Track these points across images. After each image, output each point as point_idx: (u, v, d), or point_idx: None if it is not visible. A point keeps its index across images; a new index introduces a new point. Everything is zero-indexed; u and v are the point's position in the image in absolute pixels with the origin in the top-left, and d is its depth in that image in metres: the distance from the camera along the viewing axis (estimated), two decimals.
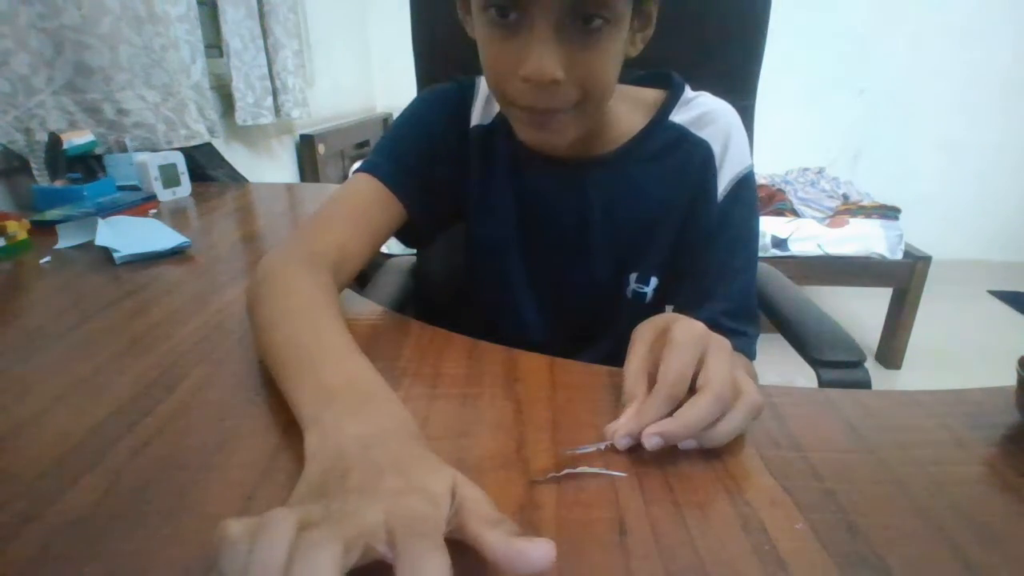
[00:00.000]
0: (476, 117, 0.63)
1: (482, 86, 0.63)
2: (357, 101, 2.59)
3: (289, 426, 0.38)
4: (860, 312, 2.43)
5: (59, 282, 0.68)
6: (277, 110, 1.79)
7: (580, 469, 0.34)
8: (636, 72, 0.63)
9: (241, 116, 1.60)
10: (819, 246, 2.00)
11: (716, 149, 0.60)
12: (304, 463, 0.30)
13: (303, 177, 2.10)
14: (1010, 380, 0.40)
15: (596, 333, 0.67)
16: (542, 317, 0.67)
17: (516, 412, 0.40)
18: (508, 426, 0.39)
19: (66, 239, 0.80)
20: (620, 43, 0.50)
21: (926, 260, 1.96)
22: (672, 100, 0.61)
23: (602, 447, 0.36)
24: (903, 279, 1.99)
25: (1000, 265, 2.78)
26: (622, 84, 0.58)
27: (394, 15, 2.62)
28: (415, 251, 0.93)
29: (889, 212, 2.06)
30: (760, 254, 2.14)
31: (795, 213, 2.07)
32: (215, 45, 1.59)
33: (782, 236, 2.00)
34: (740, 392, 0.36)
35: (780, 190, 2.16)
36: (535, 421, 0.39)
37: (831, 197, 2.13)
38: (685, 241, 0.62)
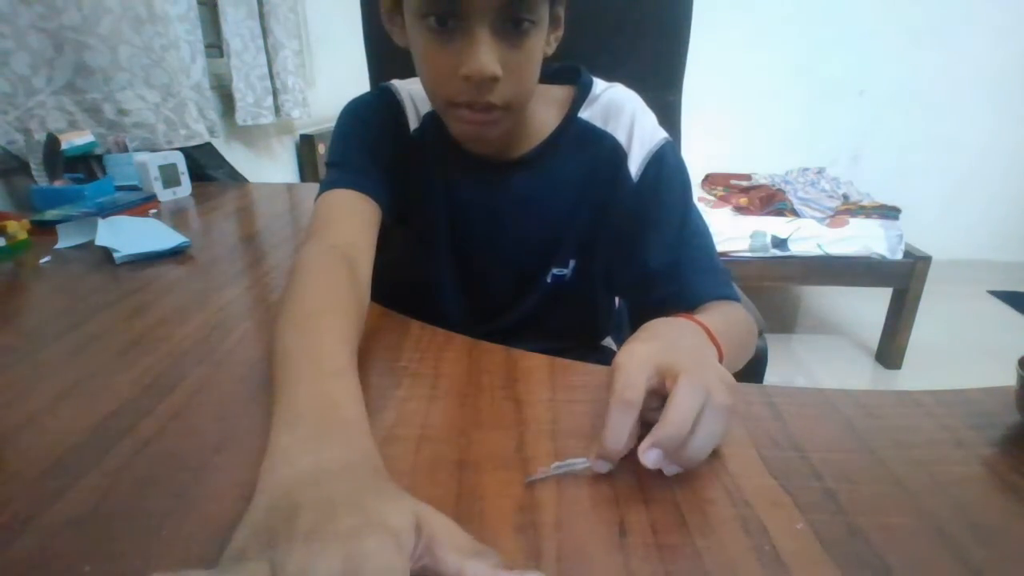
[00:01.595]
0: (413, 122, 0.67)
1: (403, 93, 0.67)
2: None
3: None
4: (860, 312, 2.43)
5: (59, 282, 0.68)
6: (277, 110, 1.79)
7: (565, 464, 0.34)
8: (551, 65, 0.66)
9: (241, 116, 1.60)
10: (819, 246, 2.00)
11: (622, 139, 0.63)
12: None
13: (303, 177, 2.10)
14: (1010, 380, 0.40)
15: (510, 311, 0.72)
16: (463, 302, 0.72)
17: (516, 412, 0.40)
18: (508, 426, 0.39)
19: (66, 239, 0.80)
20: (541, 43, 0.55)
21: (926, 260, 1.96)
22: (580, 98, 0.64)
23: (579, 465, 0.34)
24: (903, 279, 1.99)
25: (1000, 265, 2.77)
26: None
27: None
28: None
29: (889, 212, 2.06)
30: (760, 254, 2.13)
31: (795, 213, 2.07)
32: (215, 45, 1.59)
33: (782, 236, 2.00)
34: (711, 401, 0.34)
35: (780, 190, 2.16)
36: (535, 421, 0.39)
37: (831, 197, 2.13)
38: (608, 226, 0.66)
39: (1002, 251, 2.78)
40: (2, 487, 0.33)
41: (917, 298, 1.99)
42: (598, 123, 0.65)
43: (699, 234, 0.65)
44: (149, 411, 0.40)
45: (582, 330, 0.78)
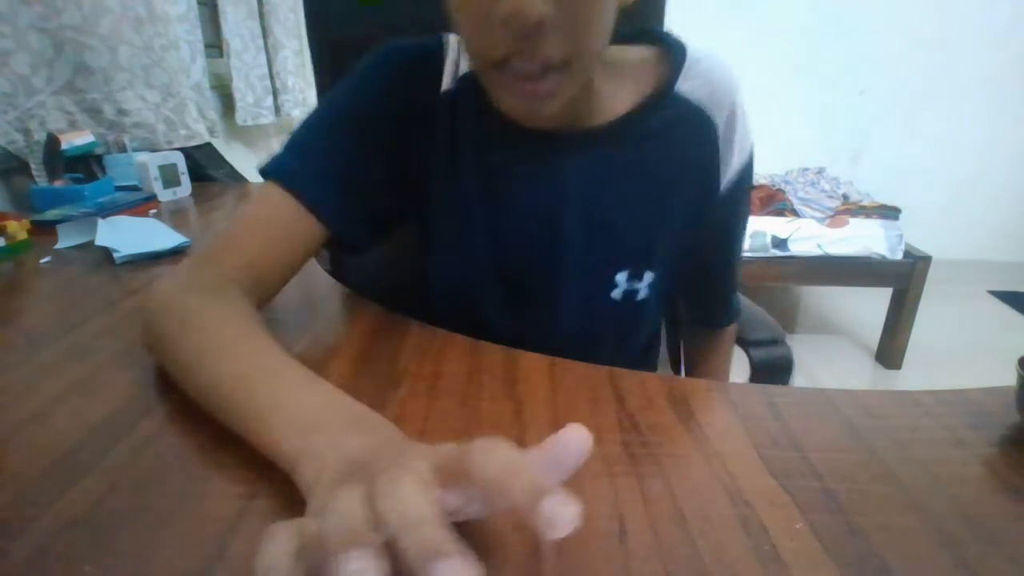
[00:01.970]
0: (447, 81, 0.51)
1: (452, 46, 0.52)
2: None
3: None
4: (860, 312, 2.43)
5: (59, 282, 0.68)
6: (277, 110, 1.79)
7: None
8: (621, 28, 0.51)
9: (241, 116, 1.60)
10: (819, 246, 2.00)
11: (721, 129, 0.52)
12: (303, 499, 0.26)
13: None
14: (1010, 380, 0.40)
15: (577, 344, 0.57)
16: (510, 320, 0.57)
17: (516, 412, 0.40)
18: (508, 426, 0.39)
19: (66, 239, 0.80)
20: None
21: (926, 260, 1.96)
22: (676, 66, 0.51)
23: None
24: (903, 279, 1.99)
25: (1000, 265, 2.77)
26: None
27: None
28: None
29: (889, 212, 2.06)
30: (760, 254, 2.13)
31: (795, 213, 2.07)
32: (215, 45, 1.59)
33: (782, 236, 2.00)
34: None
35: (780, 190, 2.16)
36: (535, 421, 0.39)
37: (831, 197, 2.13)
38: (689, 238, 0.55)
39: (1002, 251, 2.78)
40: (2, 487, 0.33)
41: (917, 298, 1.99)
42: (702, 101, 0.51)
43: (740, 251, 0.63)
44: (149, 411, 0.40)
45: (641, 358, 0.66)
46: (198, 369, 0.36)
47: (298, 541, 0.20)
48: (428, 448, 0.25)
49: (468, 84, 0.51)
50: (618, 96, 0.51)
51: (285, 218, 0.48)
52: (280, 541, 0.19)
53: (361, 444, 0.28)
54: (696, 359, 0.76)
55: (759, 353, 0.72)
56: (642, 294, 0.56)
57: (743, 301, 0.78)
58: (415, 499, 0.19)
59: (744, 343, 0.73)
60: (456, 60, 0.52)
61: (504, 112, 0.46)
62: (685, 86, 0.51)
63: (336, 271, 0.74)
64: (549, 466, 0.23)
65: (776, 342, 0.72)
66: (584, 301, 0.56)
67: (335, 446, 0.28)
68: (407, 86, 0.51)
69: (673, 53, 0.52)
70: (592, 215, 0.52)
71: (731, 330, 0.73)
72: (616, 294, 0.55)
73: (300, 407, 0.32)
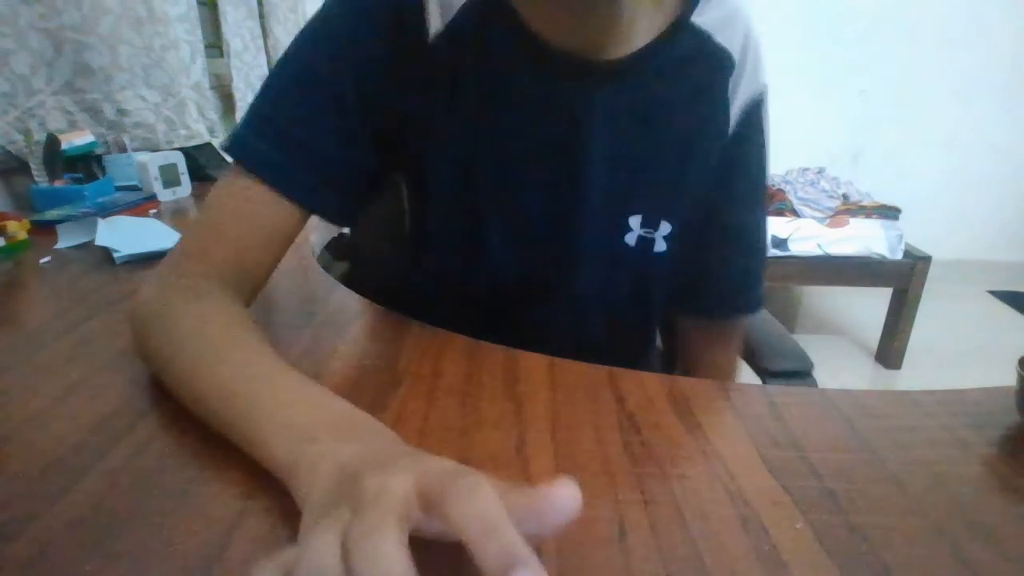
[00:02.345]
0: (435, 23, 0.46)
1: None
2: None
3: None
4: (860, 312, 2.43)
5: (59, 282, 0.68)
6: None
7: None
8: None
9: (241, 116, 1.60)
10: (819, 246, 2.00)
11: (737, 58, 0.50)
12: (297, 508, 0.26)
13: None
14: (1010, 380, 0.40)
15: (595, 298, 0.55)
16: (514, 259, 0.54)
17: (516, 412, 0.40)
18: (508, 426, 0.39)
19: (66, 239, 0.80)
20: None
21: (926, 260, 1.96)
22: (694, 2, 0.49)
23: None
24: (903, 279, 1.99)
25: (1000, 265, 2.77)
26: None
27: None
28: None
29: (889, 212, 2.06)
30: None
31: (795, 213, 2.07)
32: (215, 45, 1.59)
33: (782, 236, 2.00)
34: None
35: (780, 190, 2.16)
36: (535, 421, 0.39)
37: (831, 197, 2.13)
38: (695, 182, 0.52)
39: (1002, 251, 2.78)
40: (2, 487, 0.33)
41: (917, 298, 1.99)
42: (715, 34, 0.49)
43: (764, 227, 0.55)
44: (149, 411, 0.40)
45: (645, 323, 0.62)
46: (190, 381, 0.36)
47: None
48: (417, 460, 0.25)
49: (469, 13, 0.46)
50: (640, 25, 0.47)
51: (260, 205, 0.44)
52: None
53: (354, 452, 0.27)
54: (694, 356, 0.66)
55: (781, 385, 0.61)
56: (659, 246, 0.53)
57: (767, 321, 0.69)
58: (387, 560, 0.19)
59: (763, 372, 0.62)
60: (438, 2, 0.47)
61: (551, 19, 0.43)
62: (700, 18, 0.49)
63: (338, 273, 0.73)
64: (530, 521, 0.21)
65: (802, 375, 0.61)
66: (599, 246, 0.53)
67: (328, 456, 0.27)
68: (381, 31, 0.46)
69: None
70: (612, 150, 0.49)
71: (739, 326, 0.63)
72: (630, 239, 0.52)
73: (293, 416, 0.31)
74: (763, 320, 0.70)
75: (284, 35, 1.77)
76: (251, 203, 0.44)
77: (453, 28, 0.46)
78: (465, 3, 0.46)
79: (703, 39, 0.49)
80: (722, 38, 0.50)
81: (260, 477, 0.33)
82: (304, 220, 0.47)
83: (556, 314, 0.56)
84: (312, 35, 0.47)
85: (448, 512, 0.20)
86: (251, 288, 0.45)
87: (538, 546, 0.23)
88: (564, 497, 0.22)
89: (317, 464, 0.27)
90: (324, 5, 0.47)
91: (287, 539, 0.29)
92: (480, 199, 0.52)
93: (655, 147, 0.50)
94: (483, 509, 0.20)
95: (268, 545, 0.29)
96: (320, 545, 0.20)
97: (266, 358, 0.36)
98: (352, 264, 0.88)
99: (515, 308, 0.55)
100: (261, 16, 1.70)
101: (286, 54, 0.47)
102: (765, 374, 0.62)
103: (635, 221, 0.52)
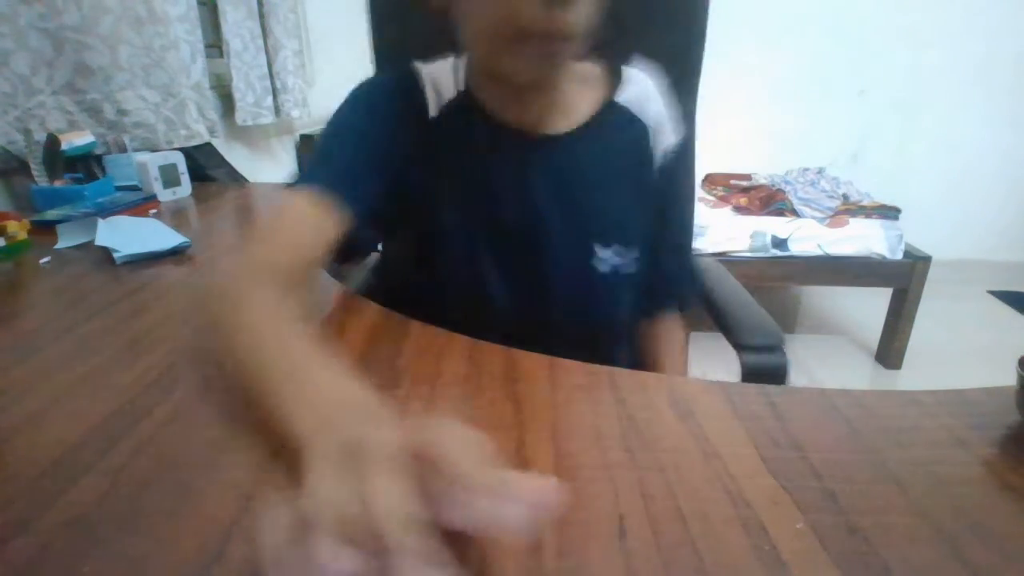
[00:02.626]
0: (433, 109, 0.62)
1: (425, 77, 0.63)
2: None
3: None
4: (860, 312, 2.43)
5: (59, 282, 0.68)
6: (277, 110, 1.79)
7: None
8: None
9: (241, 116, 1.60)
10: (819, 246, 2.00)
11: (651, 129, 0.66)
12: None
13: None
14: (1010, 380, 0.40)
15: (573, 320, 0.67)
16: (513, 302, 0.66)
17: (516, 412, 0.40)
18: (508, 426, 0.39)
19: (66, 239, 0.80)
20: None
21: (926, 260, 1.96)
22: (616, 81, 0.65)
23: None
24: (903, 279, 1.98)
25: (1000, 265, 2.77)
26: None
27: None
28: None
29: (889, 212, 2.06)
30: (760, 254, 2.13)
31: (795, 213, 2.07)
32: (215, 45, 1.59)
33: (782, 236, 2.00)
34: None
35: (780, 190, 2.15)
36: (535, 421, 0.39)
37: (831, 197, 2.13)
38: (647, 207, 0.68)
39: (1002, 251, 2.78)
40: (2, 487, 0.33)
41: (917, 298, 1.99)
42: (634, 108, 0.65)
43: (688, 232, 0.72)
44: (149, 411, 0.40)
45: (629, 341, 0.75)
46: (239, 350, 0.39)
47: (293, 519, 0.21)
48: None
49: (455, 105, 0.62)
50: (582, 102, 0.63)
51: (311, 216, 0.54)
52: (281, 519, 0.21)
53: (362, 433, 0.27)
54: (650, 351, 0.76)
55: (751, 359, 0.68)
56: (630, 268, 0.66)
57: (741, 301, 0.78)
58: (398, 496, 0.21)
59: (738, 347, 0.70)
60: (435, 87, 0.62)
61: (514, 78, 0.56)
62: (622, 97, 0.65)
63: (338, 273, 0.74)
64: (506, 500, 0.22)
65: (771, 349, 0.68)
66: (570, 272, 0.66)
67: (336, 430, 0.28)
68: (397, 107, 0.61)
69: (615, 70, 0.65)
70: (563, 199, 0.63)
71: (676, 321, 0.76)
72: (603, 267, 0.65)
73: (318, 395, 0.33)
74: (737, 297, 0.80)
75: (284, 35, 1.77)
76: (306, 215, 0.54)
77: (445, 115, 0.62)
78: (450, 100, 0.62)
79: (626, 115, 0.65)
80: (639, 111, 0.66)
81: (261, 477, 0.33)
82: (339, 235, 0.55)
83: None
84: (349, 105, 0.61)
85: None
86: (299, 282, 0.51)
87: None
88: (549, 491, 0.22)
89: (328, 439, 0.27)
90: (347, 104, 0.62)
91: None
92: (481, 259, 0.64)
93: (601, 192, 0.65)
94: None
95: None
96: (333, 485, 0.21)
97: (302, 340, 0.39)
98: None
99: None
100: (261, 16, 1.70)
101: (331, 119, 0.61)
102: (739, 348, 0.69)
103: (606, 253, 0.66)
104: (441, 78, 0.63)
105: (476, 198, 0.63)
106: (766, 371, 0.67)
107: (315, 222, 0.53)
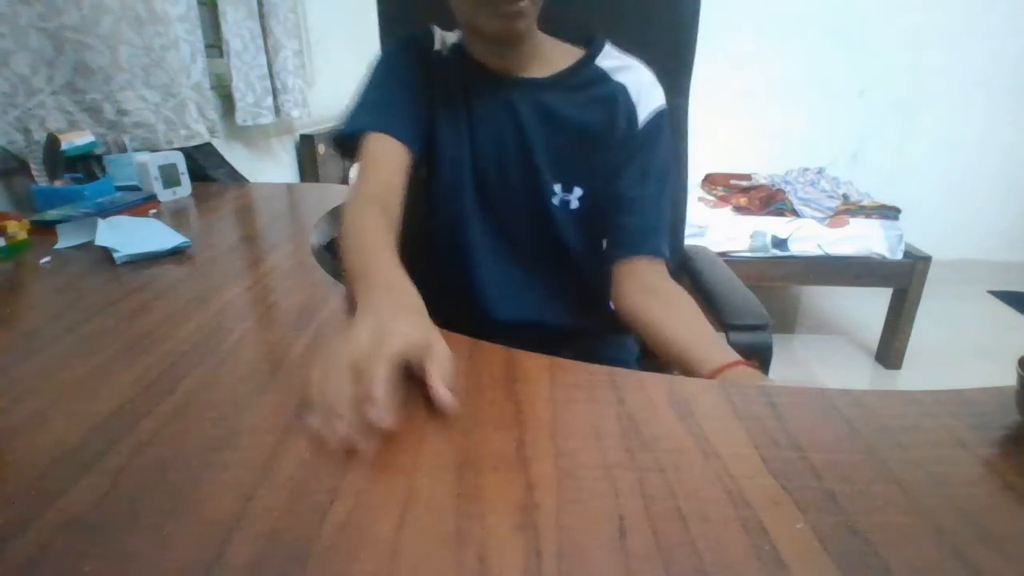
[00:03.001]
0: (437, 45, 0.76)
1: (437, 32, 0.77)
2: None
3: (289, 427, 0.38)
4: (860, 312, 2.43)
5: (59, 282, 0.68)
6: (277, 110, 1.79)
7: None
8: (567, 32, 0.76)
9: (241, 116, 1.60)
10: (819, 246, 2.00)
11: (632, 90, 0.74)
12: (355, 313, 0.47)
13: (303, 177, 2.09)
14: (1010, 380, 0.40)
15: (532, 243, 0.78)
16: (488, 238, 0.77)
17: (516, 412, 0.40)
18: (508, 426, 0.39)
19: (66, 239, 0.80)
20: None
21: (926, 260, 1.96)
22: (596, 50, 0.75)
23: None
24: (903, 279, 1.98)
25: (1000, 265, 2.77)
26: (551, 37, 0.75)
27: None
28: None
29: (889, 212, 2.06)
30: (760, 254, 2.13)
31: (795, 213, 2.07)
32: (215, 45, 1.59)
33: (782, 236, 2.00)
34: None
35: (780, 190, 2.15)
36: (535, 421, 0.39)
37: (831, 197, 2.13)
38: (608, 159, 0.74)
39: (1002, 251, 2.78)
40: (2, 487, 0.33)
41: (917, 298, 1.99)
42: (611, 72, 0.74)
43: (663, 201, 0.76)
44: (149, 411, 0.40)
45: (596, 265, 0.79)
46: (347, 237, 0.61)
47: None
48: (412, 327, 0.44)
49: (455, 50, 0.76)
50: (559, 60, 0.74)
51: (387, 152, 0.69)
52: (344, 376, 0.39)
53: (387, 305, 0.47)
54: (621, 294, 0.75)
55: (739, 337, 0.72)
56: (573, 204, 0.76)
57: (730, 284, 0.84)
58: (378, 378, 0.37)
59: (725, 326, 0.73)
60: (442, 39, 0.77)
61: (489, 35, 0.69)
62: (602, 62, 0.74)
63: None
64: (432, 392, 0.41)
65: (758, 328, 0.73)
66: (532, 203, 0.76)
67: (375, 302, 0.48)
68: (415, 52, 0.76)
69: (596, 43, 0.75)
70: (539, 134, 0.73)
71: (674, 284, 0.76)
72: (555, 200, 0.76)
73: (373, 276, 0.53)
74: (726, 279, 0.87)
75: (284, 35, 1.77)
76: (381, 149, 0.69)
77: (446, 54, 0.76)
78: (454, 42, 0.76)
79: (602, 74, 0.74)
80: (618, 76, 0.74)
81: (261, 477, 0.33)
82: (411, 162, 0.70)
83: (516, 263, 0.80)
84: (378, 65, 0.77)
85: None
86: (395, 206, 0.67)
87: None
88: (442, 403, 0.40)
89: (368, 307, 0.47)
90: (380, 56, 0.79)
91: (287, 539, 0.29)
92: (463, 188, 0.76)
93: (570, 135, 0.74)
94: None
95: (268, 545, 0.29)
96: (338, 380, 0.38)
97: (385, 240, 0.60)
98: None
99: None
100: (261, 16, 1.70)
101: (369, 72, 0.77)
102: (726, 327, 0.73)
103: (557, 187, 0.76)
104: (448, 38, 0.77)
105: (462, 131, 0.74)
106: (752, 350, 0.69)
107: (393, 158, 0.69)
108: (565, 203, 0.76)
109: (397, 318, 0.44)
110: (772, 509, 0.31)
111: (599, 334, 0.83)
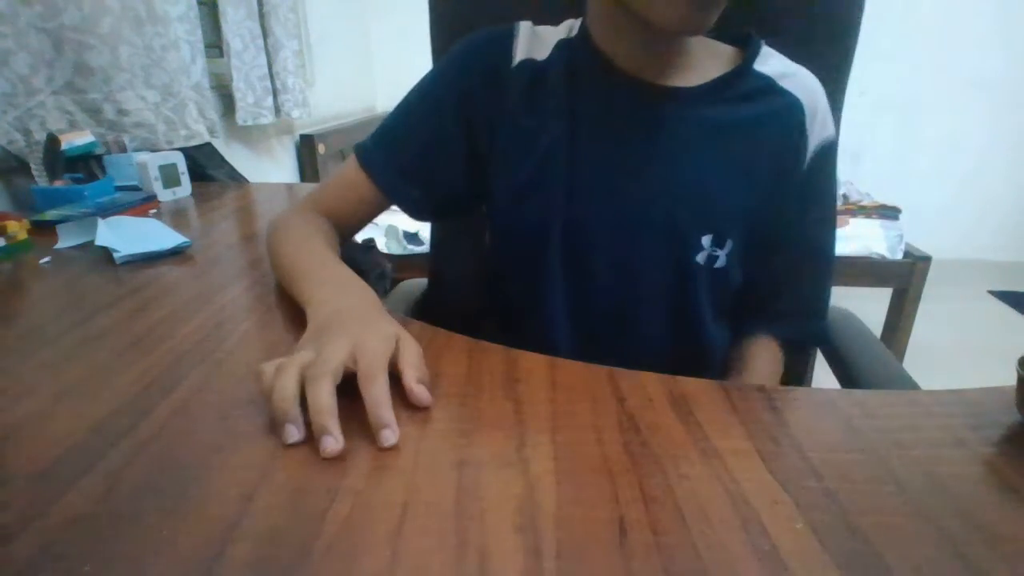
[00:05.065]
0: (520, 54, 0.57)
1: (523, 30, 0.58)
2: (357, 101, 2.59)
3: None
4: (860, 312, 2.43)
5: (59, 282, 0.68)
6: (277, 110, 1.79)
7: None
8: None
9: (241, 116, 1.60)
10: None
11: (807, 107, 0.56)
12: (306, 325, 0.46)
13: (303, 177, 2.10)
14: (1010, 380, 0.40)
15: (647, 304, 0.59)
16: (570, 281, 0.59)
17: (516, 412, 0.40)
18: (508, 426, 0.39)
19: (66, 239, 0.80)
20: None
21: (926, 260, 1.96)
22: (753, 52, 0.56)
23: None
24: (903, 279, 1.98)
25: (1000, 265, 2.77)
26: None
27: (394, 15, 2.62)
28: (428, 280, 0.90)
29: (889, 212, 2.06)
30: None
31: None
32: (215, 45, 1.59)
33: None
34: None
35: None
36: (535, 421, 0.39)
37: None
38: (771, 206, 0.56)
39: (1002, 251, 2.78)
40: (2, 487, 0.33)
41: (917, 298, 1.99)
42: (778, 79, 0.56)
43: (832, 267, 0.61)
44: (149, 411, 0.40)
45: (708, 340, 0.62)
46: (282, 256, 0.57)
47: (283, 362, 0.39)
48: (365, 326, 0.43)
49: (566, 52, 0.57)
50: (709, 66, 0.56)
51: (359, 185, 0.63)
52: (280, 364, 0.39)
53: (338, 306, 0.46)
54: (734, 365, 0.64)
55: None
56: (721, 262, 0.56)
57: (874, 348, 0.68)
58: (323, 394, 0.36)
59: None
60: (530, 40, 0.58)
61: (660, 23, 0.48)
62: (763, 67, 0.56)
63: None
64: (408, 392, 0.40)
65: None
66: (669, 263, 0.56)
67: (325, 303, 0.47)
68: (479, 60, 0.59)
69: (752, 45, 0.58)
70: (679, 173, 0.54)
71: (774, 351, 0.62)
72: (700, 257, 0.56)
73: (320, 275, 0.51)
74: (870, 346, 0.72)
75: (284, 35, 1.77)
76: (355, 183, 0.63)
77: (546, 63, 0.57)
78: (560, 41, 0.58)
79: (767, 81, 0.56)
80: (786, 84, 0.56)
81: (261, 477, 0.33)
82: (385, 201, 0.64)
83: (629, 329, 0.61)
84: (426, 79, 0.63)
85: (360, 384, 0.38)
86: (341, 231, 0.64)
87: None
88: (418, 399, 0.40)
89: (318, 310, 0.46)
90: (437, 64, 0.65)
91: (287, 539, 0.29)
92: (548, 212, 0.58)
93: (725, 170, 0.55)
94: (374, 393, 0.37)
95: (268, 545, 0.29)
96: (289, 373, 0.37)
97: (328, 254, 0.55)
98: (432, 284, 0.91)
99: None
100: (261, 16, 1.70)
101: (408, 93, 0.63)
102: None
103: (707, 240, 0.55)
104: (546, 34, 0.59)
105: (556, 153, 0.56)
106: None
107: (363, 194, 0.62)
108: (712, 259, 0.56)
109: (366, 323, 0.42)
110: (772, 509, 0.31)
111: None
